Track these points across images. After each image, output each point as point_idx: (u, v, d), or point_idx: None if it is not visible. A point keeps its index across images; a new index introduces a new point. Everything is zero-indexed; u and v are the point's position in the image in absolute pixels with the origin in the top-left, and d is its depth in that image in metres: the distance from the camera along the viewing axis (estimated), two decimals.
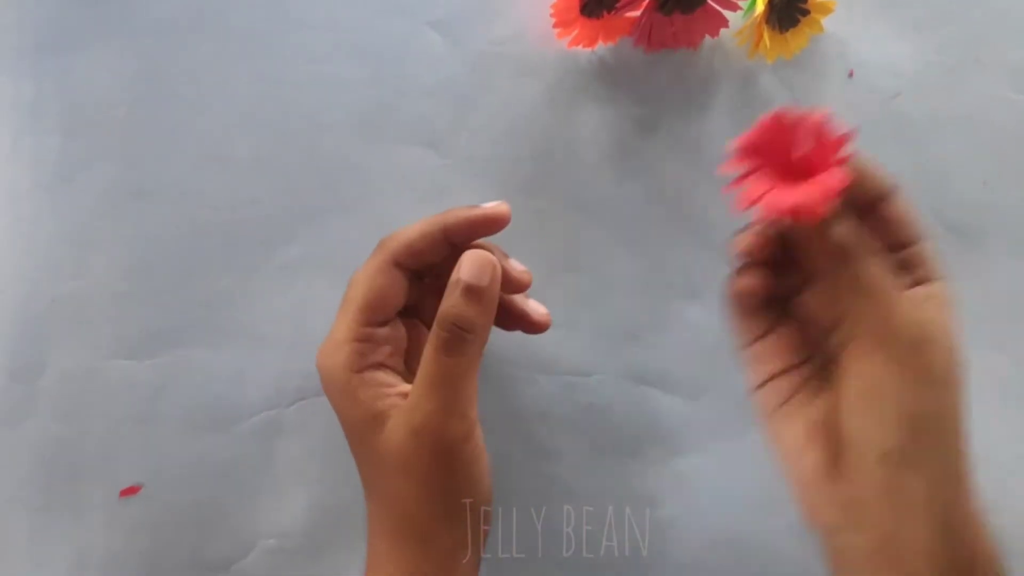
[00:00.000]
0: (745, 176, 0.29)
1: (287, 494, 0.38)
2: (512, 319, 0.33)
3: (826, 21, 0.38)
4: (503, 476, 0.39)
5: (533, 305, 0.33)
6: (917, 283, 0.27)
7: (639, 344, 0.40)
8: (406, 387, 0.29)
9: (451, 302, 0.27)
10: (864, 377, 0.26)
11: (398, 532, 0.28)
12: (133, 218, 0.37)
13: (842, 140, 0.27)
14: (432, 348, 0.27)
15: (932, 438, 0.25)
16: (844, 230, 0.26)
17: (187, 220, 0.38)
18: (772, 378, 0.29)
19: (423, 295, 0.32)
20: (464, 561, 0.29)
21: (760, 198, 0.27)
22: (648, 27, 0.37)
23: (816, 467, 0.27)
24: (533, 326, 0.33)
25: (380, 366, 0.29)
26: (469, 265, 0.27)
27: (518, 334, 0.37)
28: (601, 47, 0.39)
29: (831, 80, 0.40)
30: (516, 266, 0.31)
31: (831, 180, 0.26)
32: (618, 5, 0.36)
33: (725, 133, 0.40)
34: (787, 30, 0.38)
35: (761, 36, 0.37)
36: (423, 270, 0.31)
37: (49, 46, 0.37)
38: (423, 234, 0.29)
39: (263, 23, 0.38)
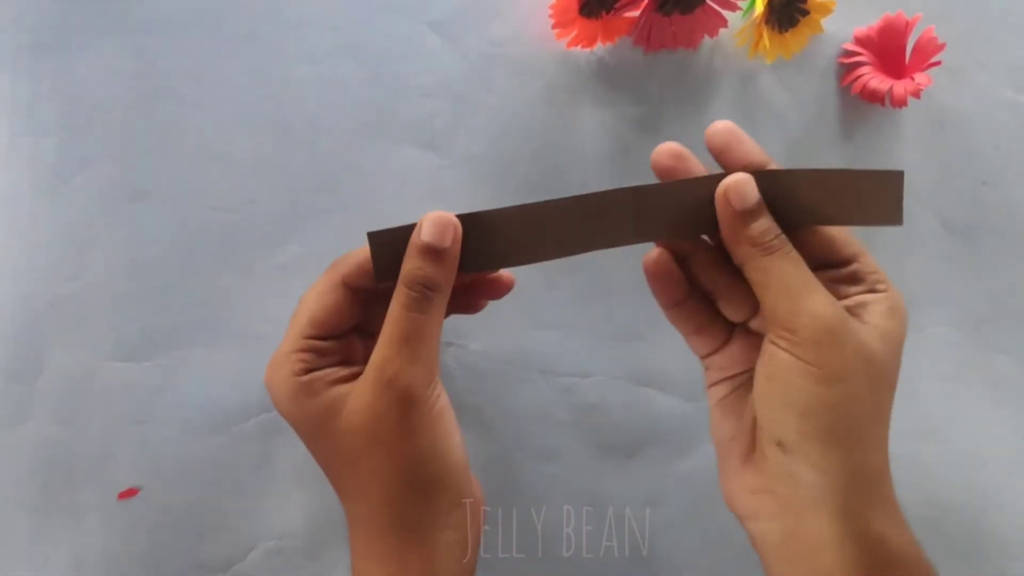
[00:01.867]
0: (855, 63, 0.39)
1: (286, 495, 0.38)
2: (473, 293, 0.32)
3: (825, 21, 0.38)
4: (503, 476, 0.39)
5: None
6: (855, 294, 0.28)
7: (638, 345, 0.40)
8: (355, 369, 0.29)
9: (415, 264, 0.27)
10: (769, 367, 0.27)
11: (375, 523, 0.28)
12: (131, 218, 0.37)
13: (937, 49, 0.38)
14: (401, 306, 0.27)
15: (830, 434, 0.26)
16: (764, 224, 0.27)
17: (185, 220, 0.38)
18: (724, 380, 0.31)
19: (375, 312, 0.31)
20: (464, 560, 0.29)
21: (862, 82, 0.38)
22: (647, 27, 0.37)
23: (737, 455, 0.29)
24: (496, 286, 0.32)
25: (325, 371, 0.29)
26: (429, 226, 0.27)
27: (516, 336, 0.37)
28: (600, 47, 0.39)
29: (830, 80, 0.40)
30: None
31: (921, 79, 0.37)
32: (617, 5, 0.36)
33: None
34: (786, 30, 0.38)
35: (760, 36, 0.37)
36: (376, 290, 0.30)
37: (46, 45, 0.37)
38: None
39: (261, 22, 0.38)
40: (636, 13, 0.37)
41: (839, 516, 0.26)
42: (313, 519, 0.38)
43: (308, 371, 0.28)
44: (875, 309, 0.27)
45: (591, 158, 0.39)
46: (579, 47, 0.38)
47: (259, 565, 0.37)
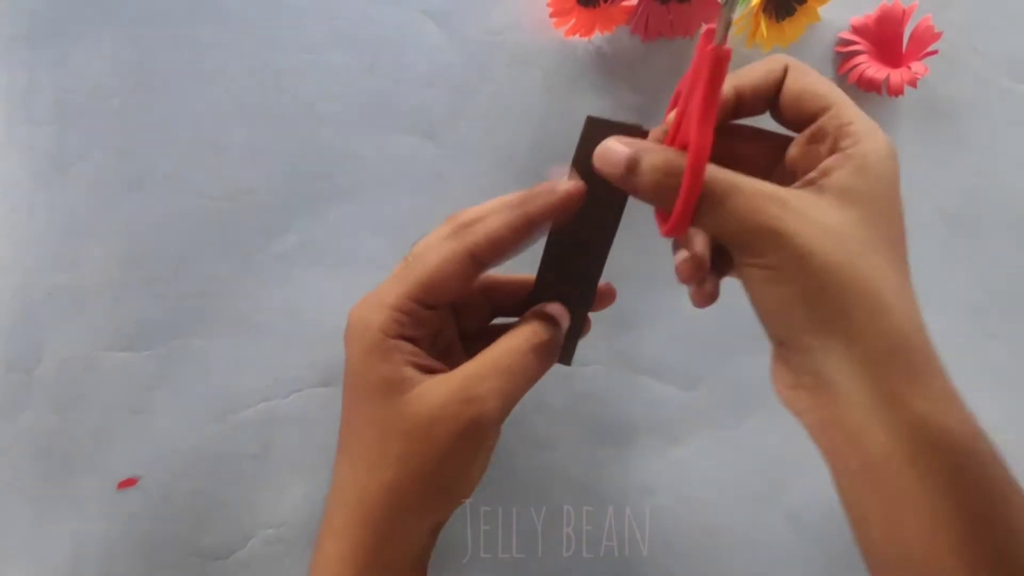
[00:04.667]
0: (852, 52, 0.39)
1: (285, 484, 0.38)
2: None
3: (822, 10, 0.38)
4: (500, 468, 0.39)
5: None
6: (826, 155, 0.26)
7: (635, 334, 0.40)
8: (433, 363, 0.29)
9: (556, 335, 0.30)
10: (743, 278, 0.27)
11: (368, 502, 0.28)
12: (129, 208, 0.37)
13: (934, 38, 0.38)
14: (526, 343, 0.28)
15: (815, 324, 0.25)
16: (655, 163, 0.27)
17: (183, 210, 0.38)
18: None
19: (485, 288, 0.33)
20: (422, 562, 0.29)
21: (859, 71, 0.39)
22: (645, 16, 0.37)
23: (772, 354, 0.28)
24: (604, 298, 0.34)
25: (412, 340, 0.29)
26: (564, 319, 0.31)
27: None
28: (598, 36, 0.39)
29: (827, 69, 0.40)
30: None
31: (917, 68, 0.38)
32: None
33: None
34: (784, 19, 0.38)
35: (758, 25, 0.37)
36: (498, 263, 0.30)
37: (43, 35, 0.37)
38: (509, 226, 0.28)
39: (259, 11, 0.38)
40: (634, 2, 0.37)
41: (867, 401, 0.24)
42: (312, 507, 0.38)
43: (397, 334, 0.28)
44: (839, 174, 0.25)
45: None
46: (577, 36, 0.38)
47: (258, 553, 0.38)
